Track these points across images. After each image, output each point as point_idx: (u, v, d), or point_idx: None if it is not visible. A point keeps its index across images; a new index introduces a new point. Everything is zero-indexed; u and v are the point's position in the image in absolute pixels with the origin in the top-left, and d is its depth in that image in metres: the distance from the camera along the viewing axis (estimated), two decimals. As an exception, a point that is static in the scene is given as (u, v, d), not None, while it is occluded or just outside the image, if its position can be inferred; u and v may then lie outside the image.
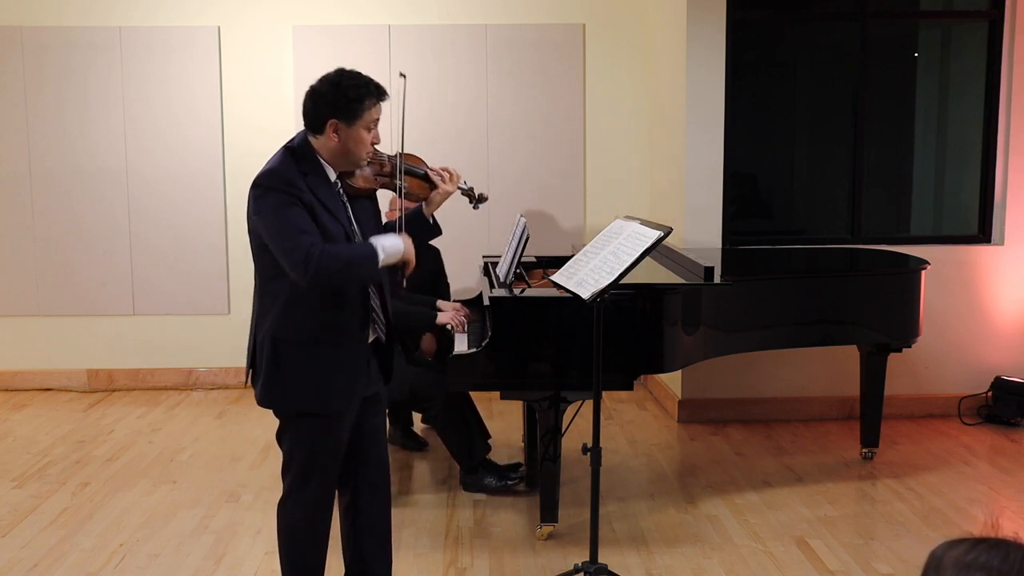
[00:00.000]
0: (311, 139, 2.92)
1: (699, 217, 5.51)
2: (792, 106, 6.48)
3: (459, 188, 3.32)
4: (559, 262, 4.38)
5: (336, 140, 2.88)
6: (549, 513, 3.93)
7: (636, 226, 3.37)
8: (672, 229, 3.27)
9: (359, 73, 2.91)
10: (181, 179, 6.33)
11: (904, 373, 5.59)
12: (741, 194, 6.00)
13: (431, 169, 3.29)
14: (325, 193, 2.88)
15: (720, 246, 5.54)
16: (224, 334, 6.43)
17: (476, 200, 3.71)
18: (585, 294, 3.23)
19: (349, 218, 2.96)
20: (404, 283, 3.05)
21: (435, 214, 3.24)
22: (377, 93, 2.90)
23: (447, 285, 5.21)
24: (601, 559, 3.42)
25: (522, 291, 4.09)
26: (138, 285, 6.39)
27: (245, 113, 6.32)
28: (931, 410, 5.68)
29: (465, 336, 4.40)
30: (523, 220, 4.30)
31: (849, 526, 4.10)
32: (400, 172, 3.13)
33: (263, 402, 2.94)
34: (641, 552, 3.84)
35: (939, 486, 4.56)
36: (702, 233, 5.52)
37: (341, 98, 2.85)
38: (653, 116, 6.31)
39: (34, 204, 6.30)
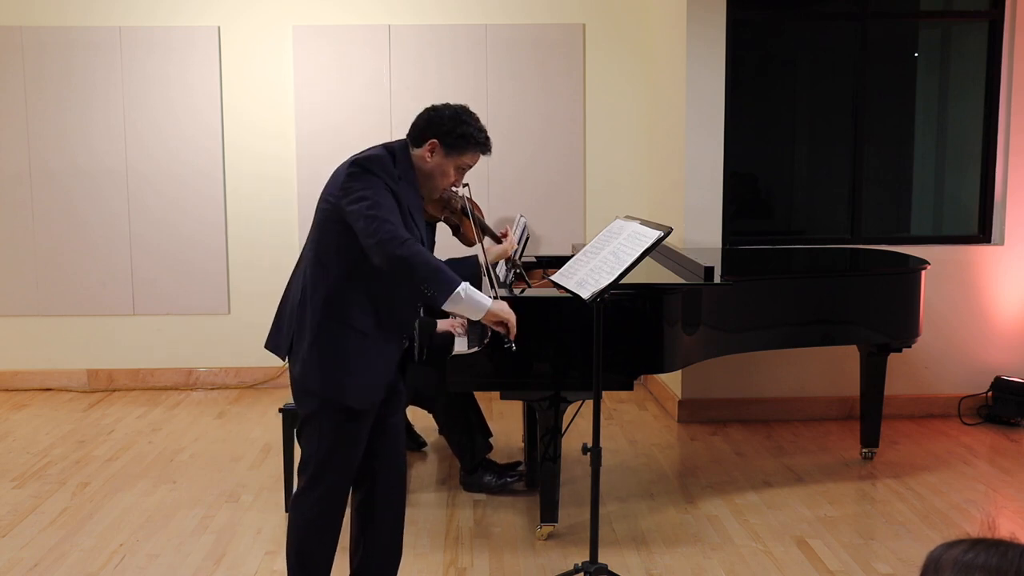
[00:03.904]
0: (410, 149, 3.00)
1: (699, 217, 5.51)
2: (792, 106, 6.48)
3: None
4: (559, 262, 4.38)
5: (428, 160, 2.97)
6: (549, 513, 3.93)
7: (636, 226, 3.37)
8: (672, 229, 3.27)
9: (480, 120, 3.04)
10: (181, 179, 6.33)
11: (904, 373, 5.59)
12: (741, 194, 5.99)
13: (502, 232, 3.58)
14: (412, 201, 2.94)
15: (720, 246, 5.54)
16: (224, 334, 6.44)
17: (511, 265, 3.96)
18: (585, 294, 3.22)
19: (424, 233, 3.01)
20: (514, 347, 3.04)
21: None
22: (484, 145, 3.02)
23: None
24: (601, 559, 3.42)
25: (522, 291, 4.09)
26: (138, 285, 6.39)
27: (245, 113, 6.33)
28: (931, 410, 5.68)
29: (465, 336, 4.40)
30: (523, 220, 4.31)
31: (849, 526, 4.10)
32: (472, 215, 3.30)
33: (296, 379, 2.94)
34: (641, 552, 3.84)
35: (939, 486, 4.56)
36: (702, 233, 5.52)
37: (456, 128, 2.95)
38: (653, 116, 6.31)
39: (34, 204, 6.30)
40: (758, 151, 6.15)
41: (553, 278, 3.49)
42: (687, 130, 5.46)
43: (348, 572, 3.22)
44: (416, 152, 2.98)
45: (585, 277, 3.31)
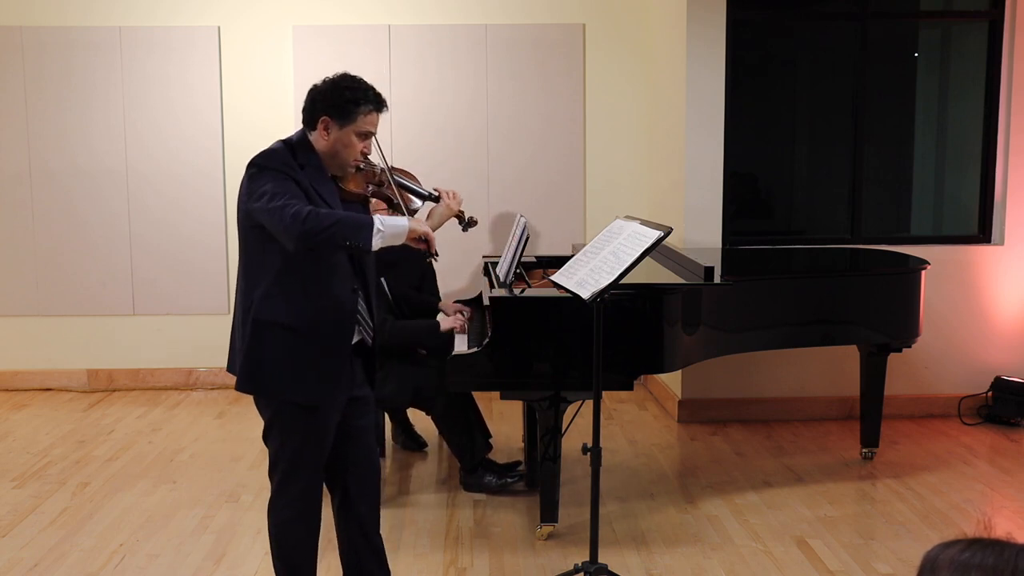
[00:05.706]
0: (308, 135, 2.95)
1: (699, 217, 5.51)
2: (792, 106, 6.48)
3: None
4: (559, 262, 4.38)
5: (326, 138, 2.91)
6: (549, 513, 3.93)
7: (636, 226, 3.37)
8: (672, 229, 3.27)
9: (362, 80, 2.95)
10: (181, 179, 6.33)
11: (904, 373, 5.59)
12: (741, 194, 5.99)
13: (435, 189, 3.46)
14: (322, 187, 2.90)
15: (720, 246, 5.54)
16: (224, 334, 6.33)
17: (466, 223, 3.82)
18: (585, 294, 3.23)
19: None
20: (437, 256, 3.01)
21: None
22: (376, 102, 2.93)
23: (435, 288, 5.09)
24: (601, 559, 3.42)
25: (522, 291, 4.09)
26: (138, 285, 6.39)
27: (245, 113, 6.33)
28: (931, 410, 5.68)
29: (465, 336, 4.40)
30: (523, 220, 4.30)
31: (849, 526, 4.10)
32: (390, 174, 3.17)
33: (241, 386, 2.92)
34: (641, 552, 3.84)
35: (939, 486, 4.56)
36: (702, 233, 5.52)
37: (338, 97, 2.88)
38: (653, 116, 6.31)
39: (34, 204, 6.31)
40: (758, 151, 6.15)
41: (553, 278, 3.49)
42: (687, 130, 5.46)
43: (341, 572, 3.23)
44: (313, 135, 2.93)
45: (585, 277, 3.31)
